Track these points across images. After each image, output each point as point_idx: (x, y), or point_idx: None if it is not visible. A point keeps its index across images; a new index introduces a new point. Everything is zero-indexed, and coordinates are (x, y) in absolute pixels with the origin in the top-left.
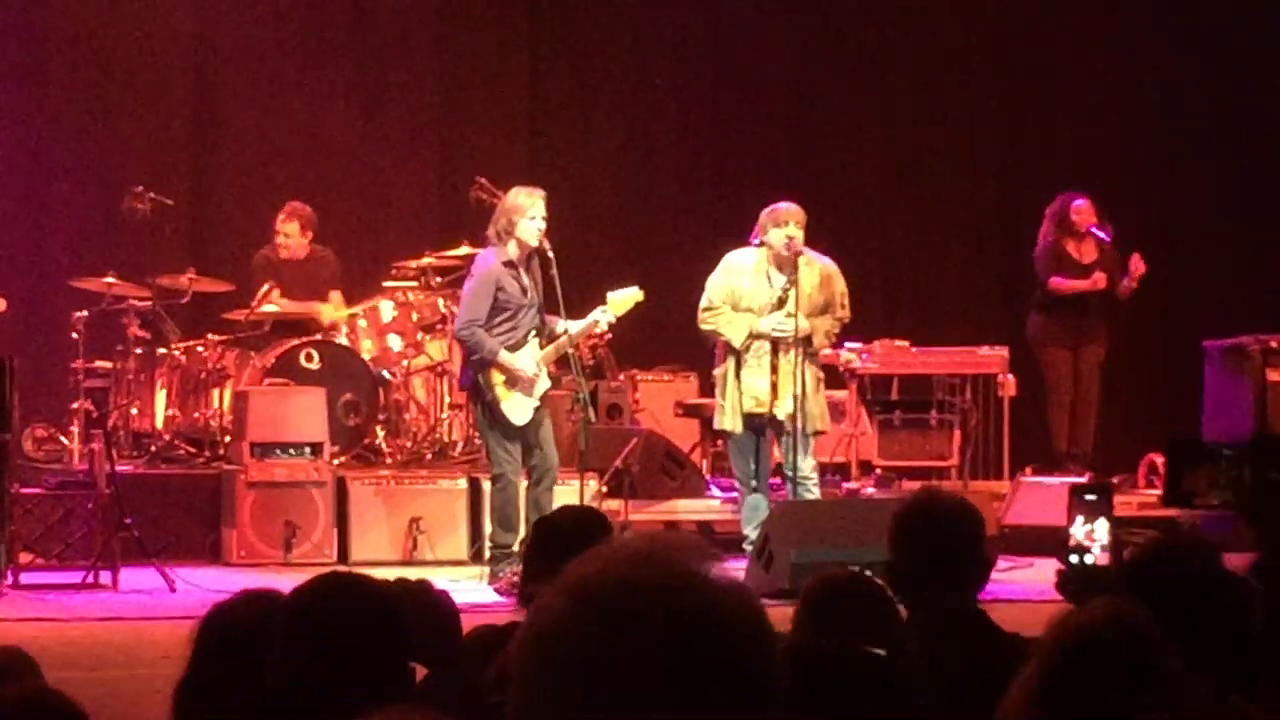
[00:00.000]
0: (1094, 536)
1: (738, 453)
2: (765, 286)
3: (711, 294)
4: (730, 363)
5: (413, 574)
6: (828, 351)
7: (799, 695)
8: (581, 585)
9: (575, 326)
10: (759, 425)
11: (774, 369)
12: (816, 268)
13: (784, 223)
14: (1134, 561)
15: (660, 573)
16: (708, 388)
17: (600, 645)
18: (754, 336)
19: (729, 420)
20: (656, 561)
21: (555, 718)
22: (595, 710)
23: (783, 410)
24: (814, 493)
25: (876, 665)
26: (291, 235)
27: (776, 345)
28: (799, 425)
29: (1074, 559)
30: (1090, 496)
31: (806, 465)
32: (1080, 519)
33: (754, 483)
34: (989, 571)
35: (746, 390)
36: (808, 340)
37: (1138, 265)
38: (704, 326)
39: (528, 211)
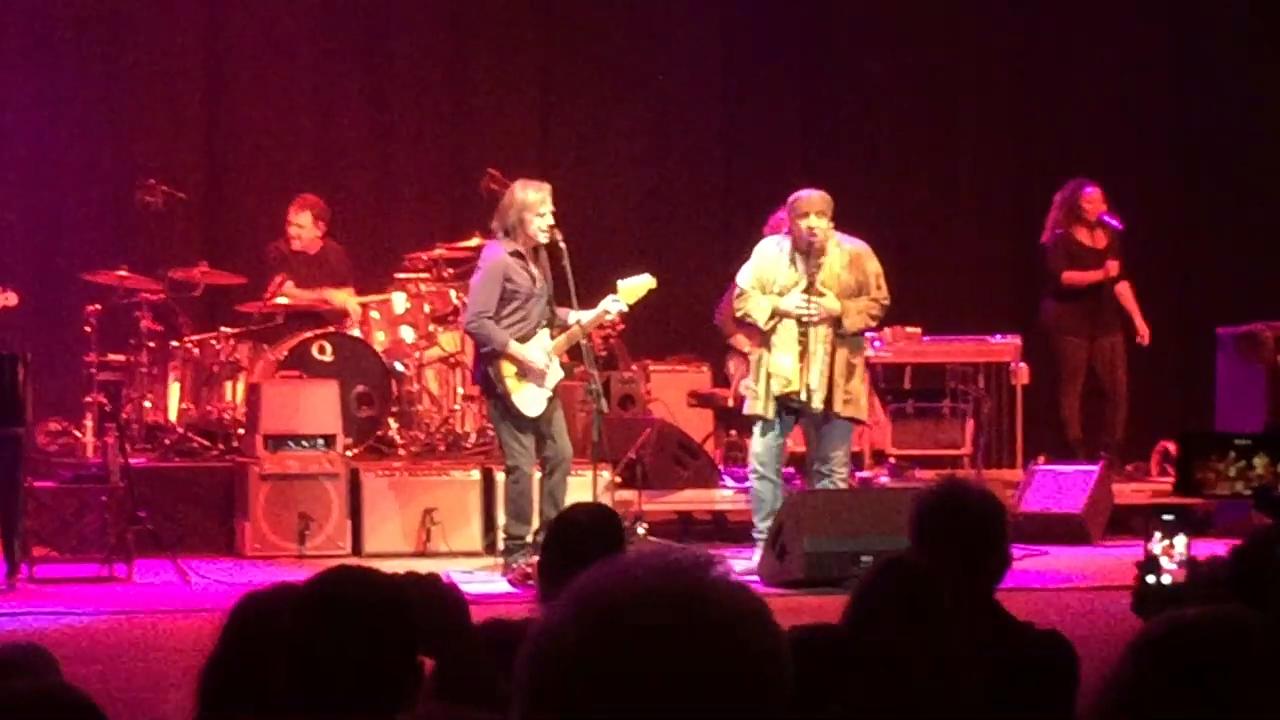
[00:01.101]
0: (1171, 553)
1: (761, 438)
2: (791, 272)
3: (741, 279)
4: (762, 350)
5: (426, 566)
6: (872, 343)
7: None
8: (590, 600)
9: (586, 316)
10: (790, 411)
11: (800, 345)
12: (846, 250)
13: (803, 214)
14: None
15: (670, 584)
16: (720, 378)
17: (611, 660)
18: (778, 315)
19: (760, 405)
20: (665, 574)
21: None
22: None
23: (817, 398)
24: (840, 484)
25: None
26: (304, 226)
27: (804, 326)
28: (831, 409)
29: (1149, 578)
30: (1168, 516)
31: (838, 455)
32: (1158, 535)
33: (762, 469)
34: (1009, 563)
35: (775, 370)
36: (838, 323)
37: (1112, 268)
38: (737, 313)
39: (538, 207)
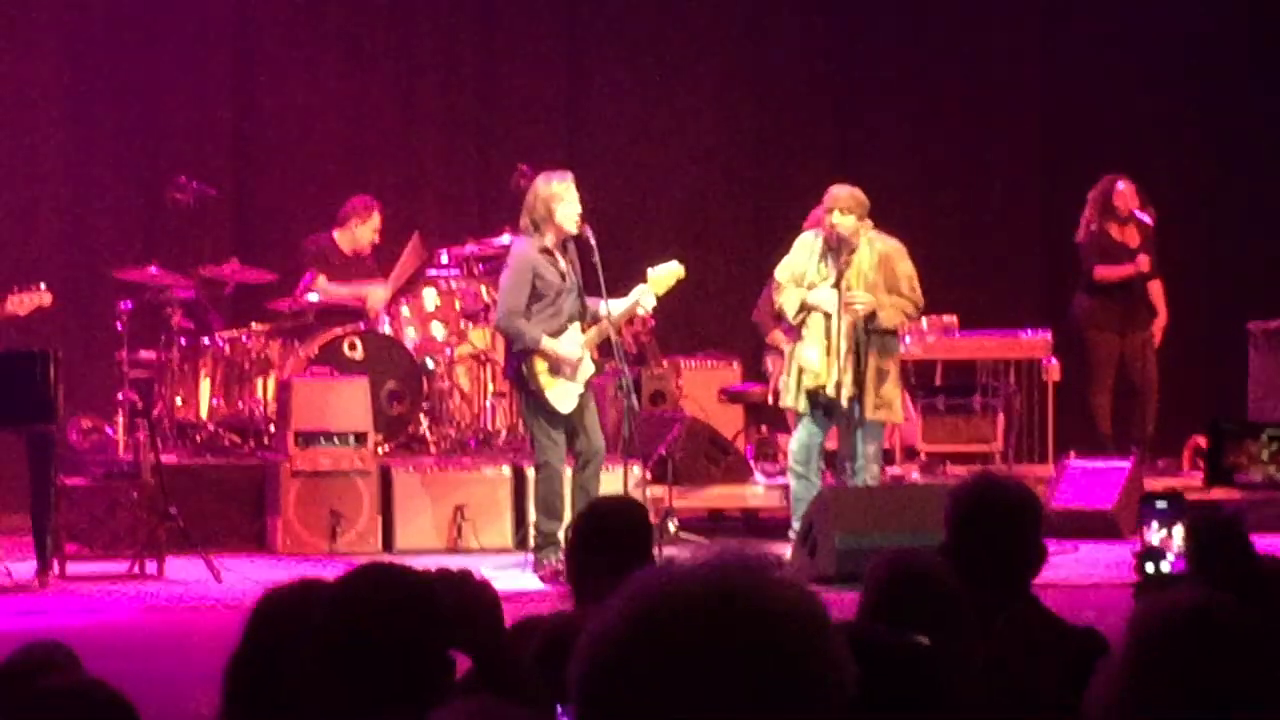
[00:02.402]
0: (1169, 543)
1: (798, 436)
2: (822, 267)
3: (779, 273)
4: (795, 343)
5: (457, 562)
6: (902, 339)
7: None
8: (643, 600)
9: (617, 308)
10: (822, 406)
11: (828, 340)
12: (877, 247)
13: (828, 209)
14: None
15: (726, 586)
16: (752, 374)
17: (664, 662)
18: (806, 309)
19: (790, 398)
20: (721, 575)
21: None
22: None
23: (843, 394)
24: (870, 481)
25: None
26: (376, 229)
27: (832, 320)
28: (859, 409)
29: (1149, 567)
30: (1161, 504)
31: (869, 452)
32: (1155, 524)
33: (800, 468)
34: (1044, 558)
35: (804, 364)
36: (870, 319)
37: (1143, 264)
38: (776, 307)
39: (564, 197)
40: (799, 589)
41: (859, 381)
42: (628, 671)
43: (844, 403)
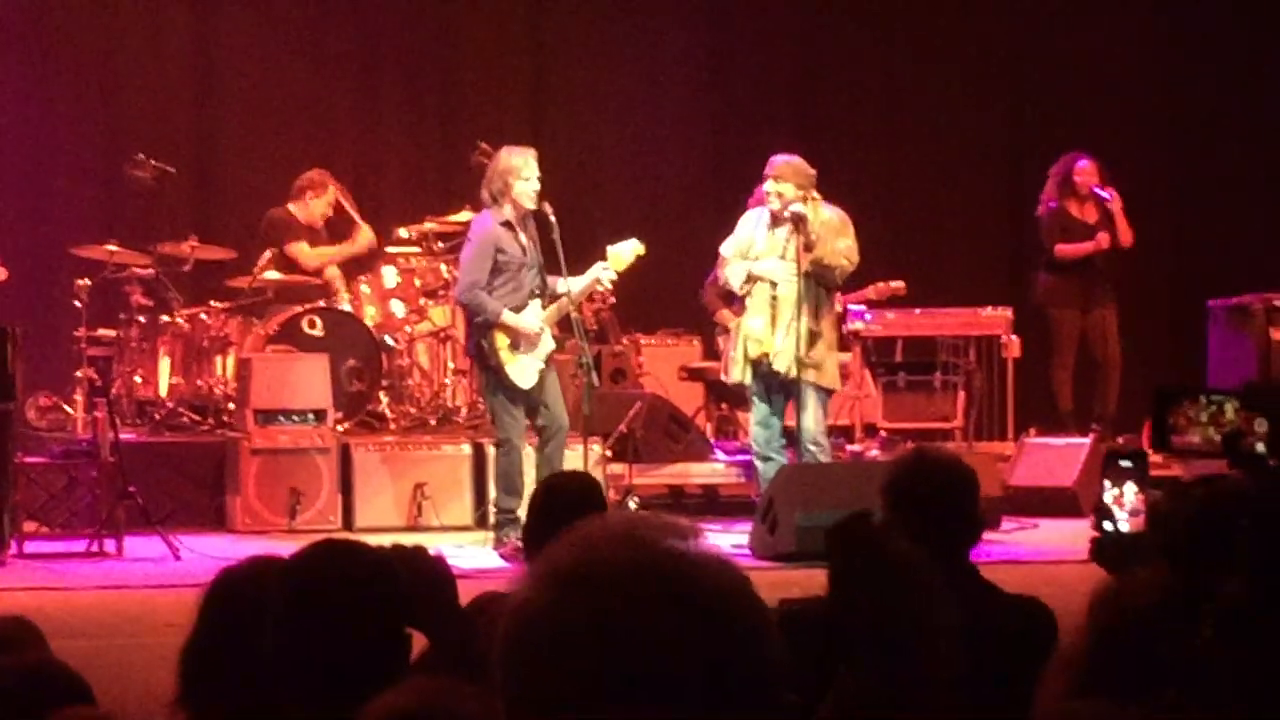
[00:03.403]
0: (1122, 502)
1: (754, 418)
2: (769, 237)
3: (724, 249)
4: (741, 317)
5: (417, 540)
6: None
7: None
8: (563, 572)
9: (577, 285)
10: (767, 377)
11: (771, 308)
12: (822, 214)
13: (764, 178)
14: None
15: (644, 553)
16: (711, 352)
17: (586, 633)
18: (752, 280)
19: (737, 370)
20: (638, 541)
21: (544, 705)
22: (585, 697)
23: (780, 361)
24: (820, 458)
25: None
26: (332, 206)
27: (775, 290)
28: (799, 375)
29: (1106, 525)
30: (1125, 463)
31: (811, 426)
32: (1108, 483)
33: (761, 449)
34: (981, 530)
35: (748, 333)
36: (811, 282)
37: (1103, 241)
38: (721, 282)
39: (522, 172)
40: (722, 558)
41: (793, 342)
42: (544, 643)
43: (779, 367)
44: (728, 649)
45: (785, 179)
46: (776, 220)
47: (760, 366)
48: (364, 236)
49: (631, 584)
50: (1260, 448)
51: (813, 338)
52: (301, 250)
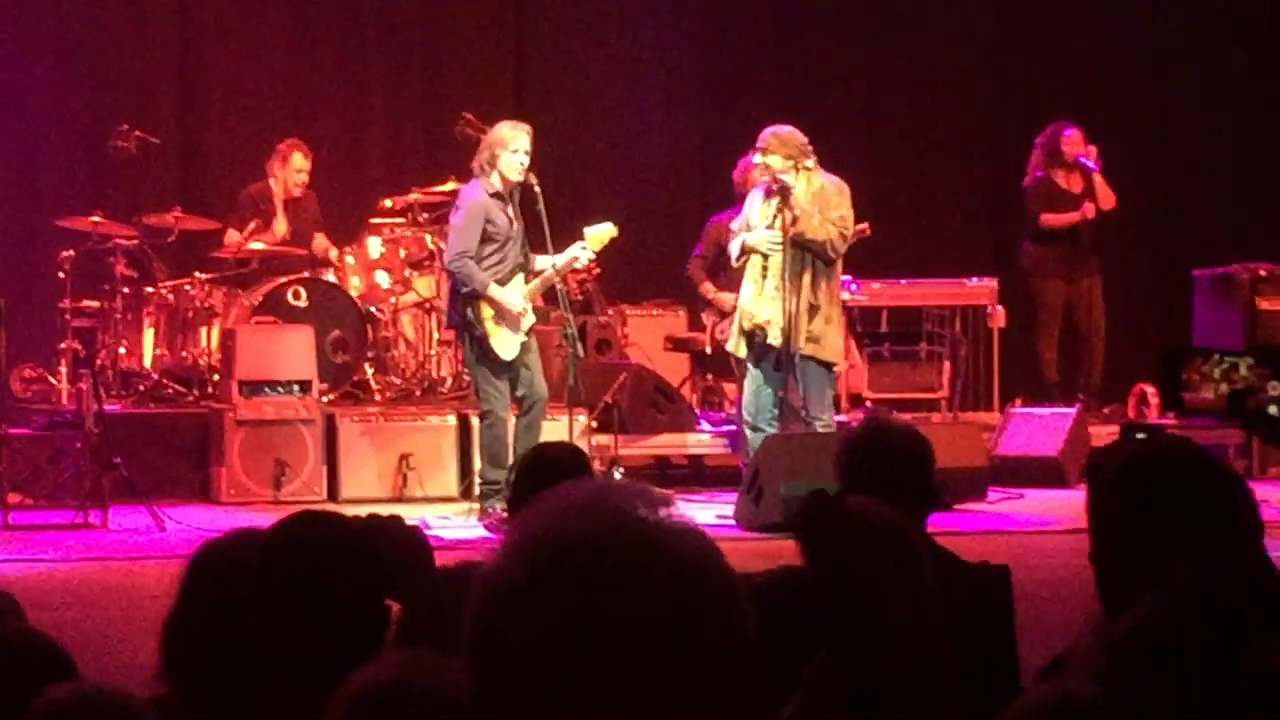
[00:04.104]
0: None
1: (748, 386)
2: (765, 208)
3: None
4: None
5: (402, 511)
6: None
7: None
8: (532, 544)
9: (558, 262)
10: (762, 349)
11: (763, 277)
12: (816, 182)
13: (754, 150)
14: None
15: (611, 524)
16: (697, 323)
17: (556, 603)
18: (745, 251)
19: (733, 342)
20: (606, 512)
21: (512, 675)
22: (556, 667)
23: (773, 332)
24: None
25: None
26: (304, 170)
27: (767, 261)
28: (793, 348)
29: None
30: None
31: (815, 400)
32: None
33: (751, 419)
34: (937, 499)
35: (742, 305)
36: (802, 259)
37: (1089, 210)
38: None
39: (510, 144)
40: (692, 528)
41: (790, 316)
42: (513, 606)
43: (773, 339)
44: (697, 620)
45: (772, 151)
46: (769, 192)
47: (755, 338)
48: (320, 244)
49: (601, 554)
50: (1273, 409)
51: (812, 311)
52: (229, 235)
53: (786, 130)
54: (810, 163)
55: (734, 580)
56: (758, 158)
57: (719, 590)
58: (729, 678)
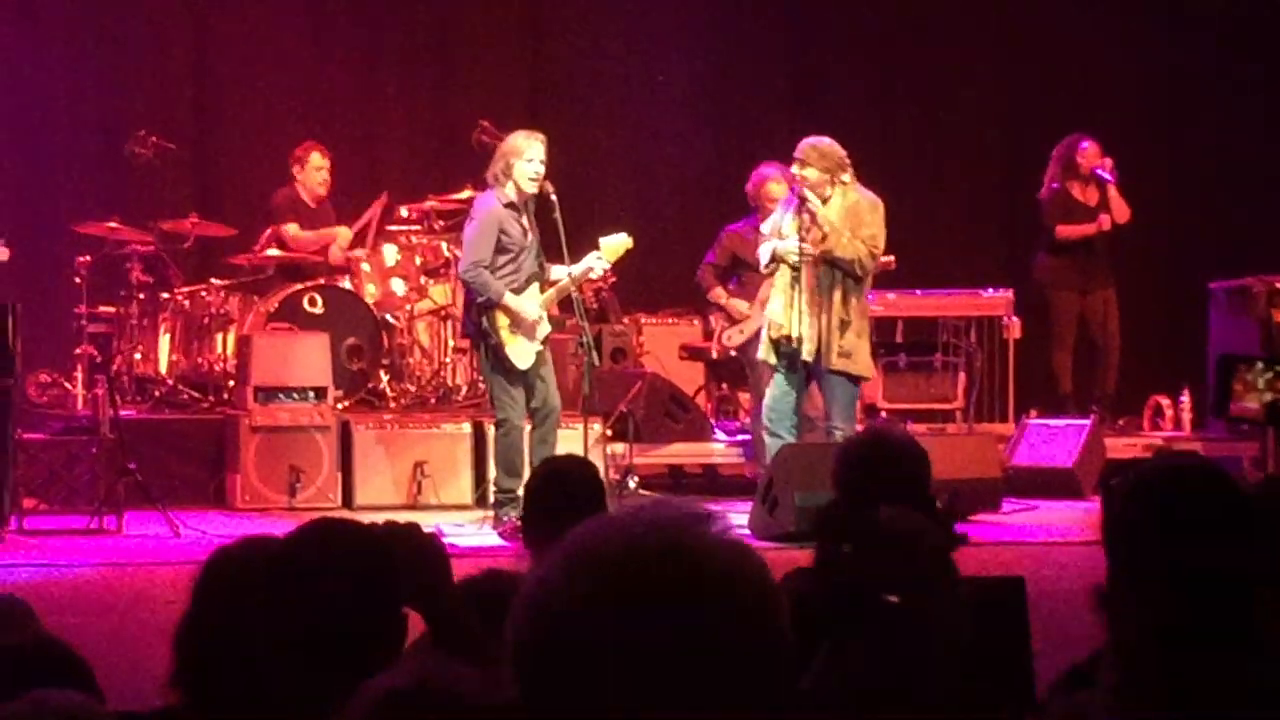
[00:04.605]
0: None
1: (770, 390)
2: (792, 218)
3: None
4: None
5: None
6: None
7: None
8: (584, 554)
9: (573, 271)
10: (791, 359)
11: (792, 291)
12: (851, 197)
13: (792, 161)
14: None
15: (666, 539)
16: (711, 331)
17: (604, 616)
18: (775, 259)
19: (763, 349)
20: (661, 528)
21: (563, 690)
22: (605, 681)
23: (806, 349)
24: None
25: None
26: (324, 169)
27: (796, 272)
28: (824, 363)
29: None
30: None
31: (837, 411)
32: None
33: (772, 425)
34: (933, 509)
35: (770, 315)
36: (833, 272)
37: (1105, 222)
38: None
39: (524, 154)
40: (737, 544)
41: (817, 329)
42: (564, 624)
43: (805, 355)
44: (742, 636)
45: (810, 163)
46: (799, 202)
47: (781, 347)
48: (344, 236)
49: (649, 567)
50: None
51: (843, 326)
52: (287, 231)
53: (826, 143)
54: (846, 177)
55: (779, 596)
56: (796, 169)
57: (764, 606)
58: (771, 691)
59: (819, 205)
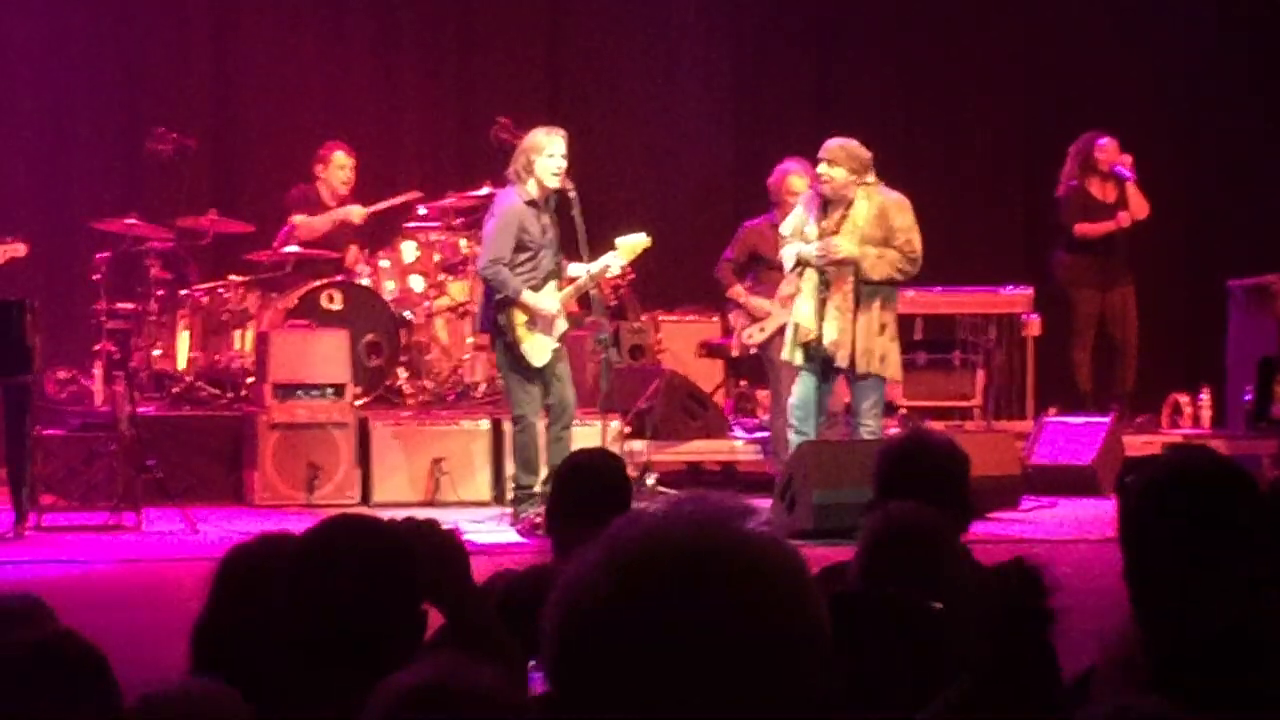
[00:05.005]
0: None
1: (796, 388)
2: (818, 219)
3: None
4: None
5: (435, 515)
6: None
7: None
8: (618, 557)
9: (591, 269)
10: (819, 361)
11: (821, 295)
12: (876, 200)
13: (818, 160)
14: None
15: (704, 535)
16: (730, 329)
17: (640, 611)
18: (801, 263)
19: (788, 350)
20: (691, 524)
21: (599, 686)
22: (641, 678)
23: (841, 355)
24: (869, 437)
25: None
26: (348, 169)
27: (825, 276)
28: (857, 368)
29: None
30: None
31: (866, 408)
32: None
33: (798, 423)
34: (971, 515)
35: (797, 318)
36: (860, 273)
37: (1123, 220)
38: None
39: (545, 150)
40: (776, 540)
41: (851, 334)
42: (603, 622)
43: (841, 363)
44: (781, 632)
45: (839, 163)
46: (829, 203)
47: (811, 350)
48: (355, 213)
49: (685, 566)
50: None
51: (881, 329)
52: (296, 221)
53: (854, 144)
54: (871, 178)
55: (816, 592)
56: (823, 168)
57: (802, 602)
58: (809, 689)
59: (839, 247)
